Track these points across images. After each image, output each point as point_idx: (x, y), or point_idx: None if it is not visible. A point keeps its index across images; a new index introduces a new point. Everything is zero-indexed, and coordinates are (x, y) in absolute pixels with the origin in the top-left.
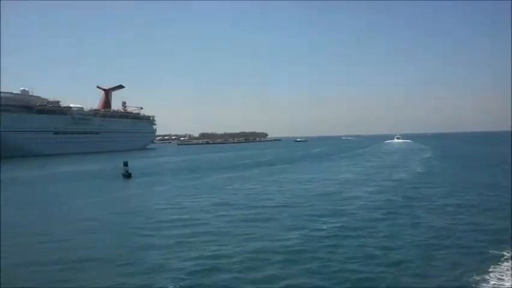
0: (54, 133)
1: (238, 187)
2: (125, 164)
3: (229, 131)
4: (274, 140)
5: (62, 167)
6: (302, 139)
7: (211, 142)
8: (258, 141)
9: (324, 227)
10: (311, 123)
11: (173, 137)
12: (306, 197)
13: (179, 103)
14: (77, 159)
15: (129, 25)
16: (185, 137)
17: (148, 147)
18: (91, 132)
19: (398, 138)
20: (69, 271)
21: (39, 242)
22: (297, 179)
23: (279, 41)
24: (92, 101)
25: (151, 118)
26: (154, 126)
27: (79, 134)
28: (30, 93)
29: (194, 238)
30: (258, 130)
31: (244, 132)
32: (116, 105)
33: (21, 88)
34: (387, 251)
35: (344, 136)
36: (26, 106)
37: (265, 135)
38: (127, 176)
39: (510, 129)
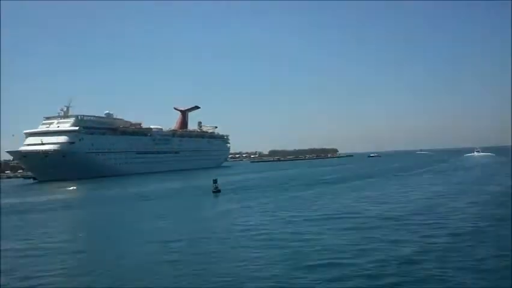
0: (137, 153)
1: (330, 201)
2: (215, 181)
3: (298, 147)
4: (347, 155)
5: (151, 185)
6: (375, 154)
7: (282, 159)
8: (330, 157)
9: (437, 239)
10: (383, 138)
11: (244, 155)
12: (405, 210)
13: (248, 121)
14: (161, 177)
15: (199, 50)
16: (255, 154)
17: (223, 164)
18: (170, 152)
19: (477, 151)
20: None
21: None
22: (387, 194)
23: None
24: (169, 122)
25: (225, 137)
26: (228, 145)
27: (159, 153)
28: (114, 116)
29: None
30: (328, 146)
31: (314, 149)
32: (192, 125)
33: (106, 111)
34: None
35: (418, 150)
36: (111, 128)
37: (335, 151)
38: (217, 191)
39: None
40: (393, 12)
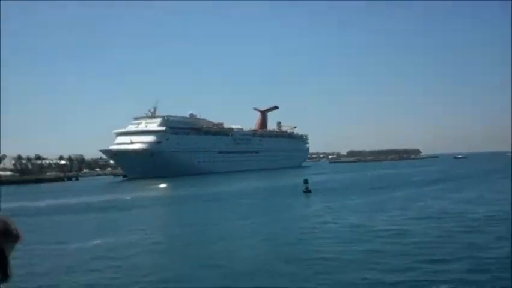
0: (219, 152)
1: (429, 202)
2: (306, 181)
3: (377, 147)
4: (432, 157)
5: (238, 184)
6: (461, 156)
7: (362, 160)
8: (413, 158)
9: None
10: (469, 138)
11: (322, 155)
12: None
13: (325, 121)
14: (244, 176)
15: (277, 49)
16: (333, 155)
17: (303, 165)
18: (251, 152)
19: None
20: None
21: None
22: (493, 196)
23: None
24: (248, 122)
25: (304, 137)
26: (307, 145)
27: (240, 153)
28: (197, 117)
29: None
30: (410, 147)
31: (395, 149)
32: (271, 125)
33: (190, 112)
34: None
35: (508, 152)
36: (195, 128)
37: (418, 151)
38: (308, 191)
39: None
40: None
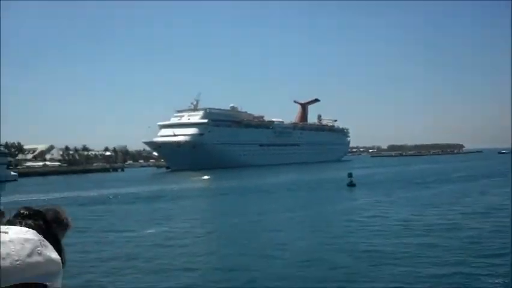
0: (260, 145)
1: (477, 197)
2: (350, 175)
3: (419, 142)
4: (475, 151)
5: (281, 177)
6: (506, 151)
7: (404, 154)
8: (456, 153)
9: None
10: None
11: (362, 149)
12: None
13: (365, 115)
14: (285, 169)
15: (316, 43)
16: (373, 149)
17: (343, 158)
18: (291, 145)
19: None
20: None
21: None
22: None
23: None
24: (288, 115)
25: (345, 130)
26: (348, 138)
27: (280, 146)
28: (238, 109)
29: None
30: (452, 141)
31: (437, 144)
32: (312, 118)
33: (231, 105)
34: None
35: None
36: (236, 121)
37: (461, 146)
38: (352, 185)
39: None
40: None
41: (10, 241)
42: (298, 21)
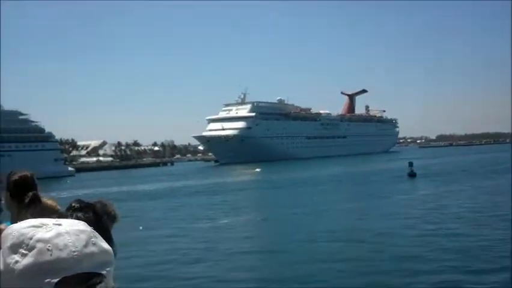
0: (307, 138)
1: None
2: (411, 164)
3: (469, 131)
4: None
5: (333, 168)
6: None
7: (454, 144)
8: (508, 142)
9: None
10: None
11: (409, 140)
12: None
13: (412, 104)
14: (335, 161)
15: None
16: (421, 139)
17: (391, 150)
18: (339, 137)
19: None
20: None
21: None
22: None
23: None
24: (335, 107)
25: (393, 121)
26: (397, 129)
27: (328, 138)
28: (285, 102)
29: None
30: (503, 130)
31: (487, 133)
32: (359, 109)
33: (278, 98)
34: None
35: None
36: (283, 114)
37: None
38: (413, 175)
39: None
40: None
41: (66, 232)
42: (341, 11)
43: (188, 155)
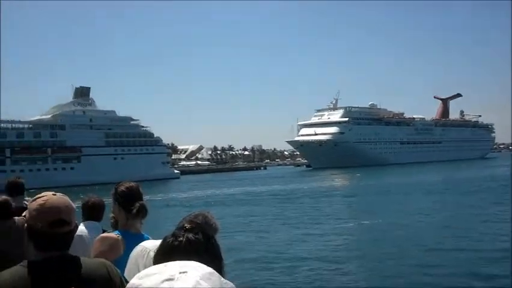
0: (401, 143)
1: None
2: None
3: None
4: None
5: (432, 174)
6: None
7: None
8: None
9: None
10: None
11: (501, 146)
12: None
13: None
14: (431, 167)
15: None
16: None
17: (486, 156)
18: (433, 142)
19: None
20: None
21: None
22: None
23: None
24: (426, 111)
25: (489, 126)
26: (493, 135)
27: (422, 143)
28: (377, 107)
29: None
30: None
31: None
32: (453, 114)
33: (370, 102)
34: None
35: None
36: (376, 119)
37: None
38: None
39: None
40: None
41: (201, 279)
42: (428, 10)
43: (277, 160)
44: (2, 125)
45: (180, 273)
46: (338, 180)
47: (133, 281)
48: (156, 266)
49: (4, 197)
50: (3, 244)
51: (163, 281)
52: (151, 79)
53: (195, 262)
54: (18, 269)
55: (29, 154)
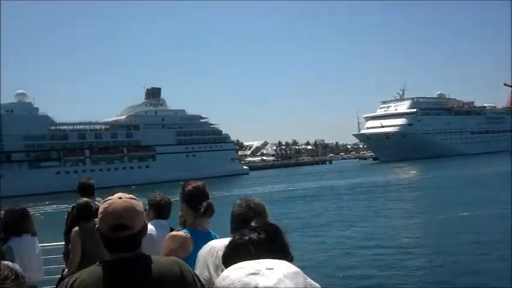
0: (471, 133)
1: None
2: None
3: None
4: None
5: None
6: None
7: None
8: None
9: None
10: None
11: None
12: None
13: None
14: (507, 157)
15: None
16: None
17: None
18: (505, 131)
19: None
20: None
21: None
22: None
23: None
24: (495, 99)
25: None
26: None
27: (494, 132)
28: (446, 96)
29: None
30: None
31: None
32: None
33: (438, 92)
34: None
35: None
36: (445, 109)
37: None
38: None
39: None
40: None
41: (285, 277)
42: None
43: (341, 154)
44: (81, 126)
45: (267, 269)
46: (415, 172)
47: (225, 272)
48: (249, 261)
49: (85, 199)
50: (89, 245)
51: (247, 275)
52: (214, 78)
53: (285, 262)
54: (95, 269)
55: (106, 154)
